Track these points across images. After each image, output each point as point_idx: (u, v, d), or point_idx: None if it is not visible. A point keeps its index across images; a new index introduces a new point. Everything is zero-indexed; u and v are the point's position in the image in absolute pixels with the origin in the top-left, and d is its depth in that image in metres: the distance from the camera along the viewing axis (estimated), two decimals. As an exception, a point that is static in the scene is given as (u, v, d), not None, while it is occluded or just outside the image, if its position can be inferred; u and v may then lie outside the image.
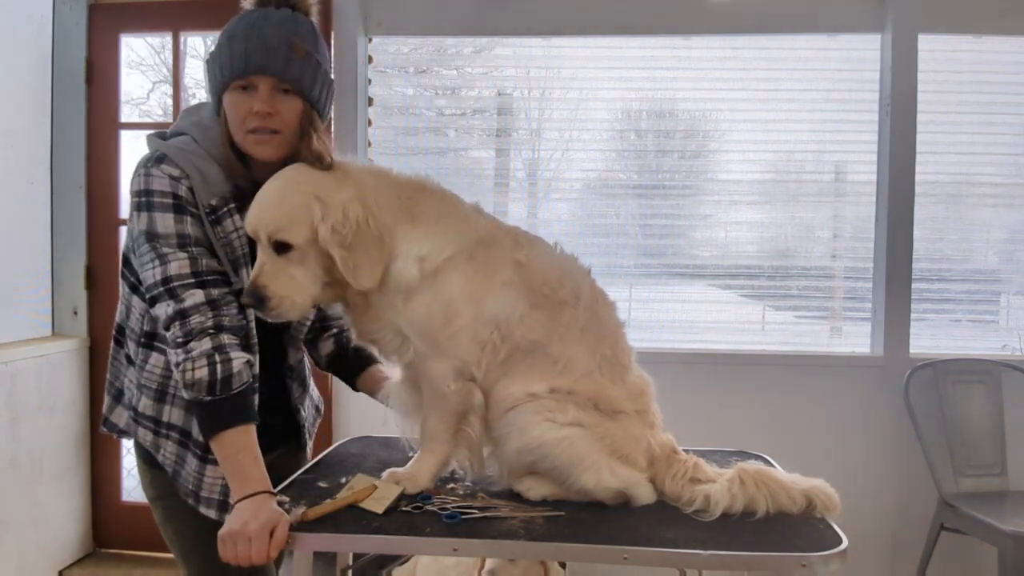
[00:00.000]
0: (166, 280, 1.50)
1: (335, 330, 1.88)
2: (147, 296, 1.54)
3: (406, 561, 2.36)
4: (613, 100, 3.45)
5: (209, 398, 1.46)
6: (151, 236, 1.52)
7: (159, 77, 6.38)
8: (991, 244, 3.44)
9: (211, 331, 1.48)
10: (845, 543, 1.38)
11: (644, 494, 1.55)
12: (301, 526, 1.42)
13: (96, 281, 3.44)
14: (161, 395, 1.61)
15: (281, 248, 1.47)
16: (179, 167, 1.53)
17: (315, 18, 1.60)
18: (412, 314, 1.52)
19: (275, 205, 1.47)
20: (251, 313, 1.58)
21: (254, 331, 1.59)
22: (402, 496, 1.51)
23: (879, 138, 3.26)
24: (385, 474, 1.58)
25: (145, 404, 1.62)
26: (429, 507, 1.50)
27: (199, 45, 5.00)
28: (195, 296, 1.49)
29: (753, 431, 3.09)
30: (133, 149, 3.38)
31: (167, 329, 1.50)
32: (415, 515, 1.48)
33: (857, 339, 3.35)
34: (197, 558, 1.66)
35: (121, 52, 3.44)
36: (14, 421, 3.02)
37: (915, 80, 3.17)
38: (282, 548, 1.39)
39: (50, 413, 3.21)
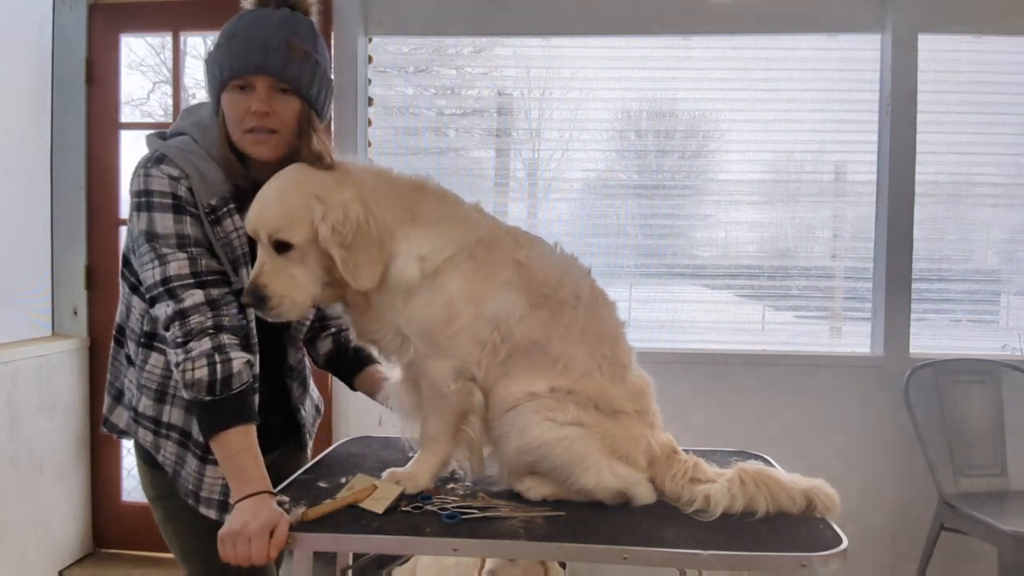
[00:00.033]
0: (165, 280, 1.50)
1: (333, 329, 1.88)
2: (147, 296, 1.54)
3: (406, 561, 2.36)
4: (613, 100, 3.45)
5: (209, 398, 1.46)
6: (151, 236, 1.52)
7: (159, 77, 6.38)
8: (991, 244, 3.44)
9: (211, 331, 1.48)
10: (845, 543, 1.38)
11: (644, 494, 1.55)
12: (301, 526, 1.42)
13: (96, 281, 3.44)
14: (161, 395, 1.61)
15: (281, 248, 1.47)
16: (178, 167, 1.53)
17: (315, 18, 1.60)
18: (412, 314, 1.52)
19: (276, 205, 1.47)
20: (251, 313, 1.58)
21: (254, 331, 1.59)
22: (402, 496, 1.51)
23: (879, 138, 3.26)
24: (385, 474, 1.58)
25: (145, 404, 1.62)
26: (429, 507, 1.50)
27: (199, 45, 5.00)
28: (195, 296, 1.49)
29: (753, 431, 3.10)
30: (133, 149, 3.38)
31: (167, 329, 1.50)
32: (415, 515, 1.47)
33: (857, 339, 3.35)
34: (197, 558, 1.66)
35: (121, 52, 3.44)
36: (14, 421, 3.02)
37: (915, 80, 3.17)
38: (282, 548, 1.39)
39: (50, 413, 3.21)
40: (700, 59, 3.35)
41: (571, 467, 1.51)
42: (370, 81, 3.41)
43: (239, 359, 1.49)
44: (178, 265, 1.50)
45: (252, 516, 1.38)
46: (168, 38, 3.84)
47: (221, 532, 1.39)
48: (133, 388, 1.65)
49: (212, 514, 1.61)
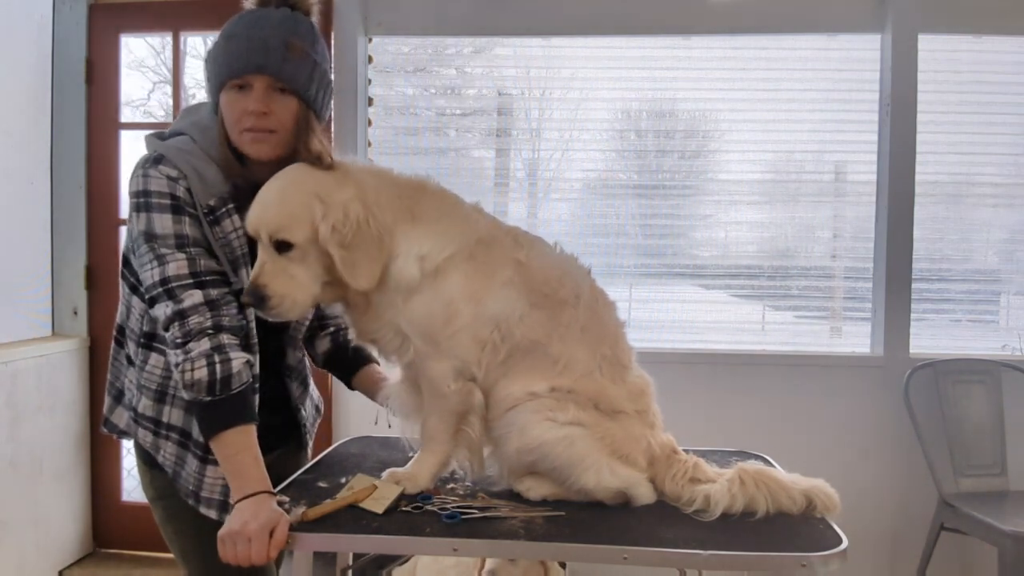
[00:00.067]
0: (164, 281, 1.50)
1: (332, 328, 1.89)
2: (146, 297, 1.54)
3: (406, 561, 2.36)
4: (613, 100, 3.45)
5: (209, 398, 1.46)
6: (149, 237, 1.52)
7: (159, 78, 6.39)
8: (991, 244, 3.44)
9: (210, 331, 1.48)
10: (845, 543, 1.38)
11: (644, 494, 1.55)
12: (301, 526, 1.42)
13: (96, 281, 3.44)
14: (161, 396, 1.61)
15: (282, 247, 1.47)
16: (177, 168, 1.53)
17: (316, 18, 1.59)
18: (412, 313, 1.52)
19: (276, 204, 1.47)
20: (251, 313, 1.58)
21: (254, 331, 1.59)
22: (402, 496, 1.51)
23: (879, 138, 3.26)
24: (385, 474, 1.58)
25: (145, 405, 1.62)
26: (429, 507, 1.50)
27: (199, 45, 5.00)
28: (194, 297, 1.49)
29: (753, 431, 3.09)
30: (133, 149, 3.38)
31: (166, 330, 1.50)
32: (415, 515, 1.47)
33: (857, 339, 3.35)
34: (197, 558, 1.66)
35: (121, 52, 3.44)
36: (14, 421, 3.02)
37: (915, 80, 3.17)
38: (282, 548, 1.39)
39: (50, 413, 3.21)
40: (700, 59, 3.35)
41: (571, 467, 1.51)
42: (370, 81, 3.41)
43: (238, 359, 1.49)
44: (177, 265, 1.50)
45: (252, 516, 1.38)
46: (168, 38, 3.85)
47: (221, 532, 1.39)
48: (133, 388, 1.65)
49: (212, 514, 1.61)
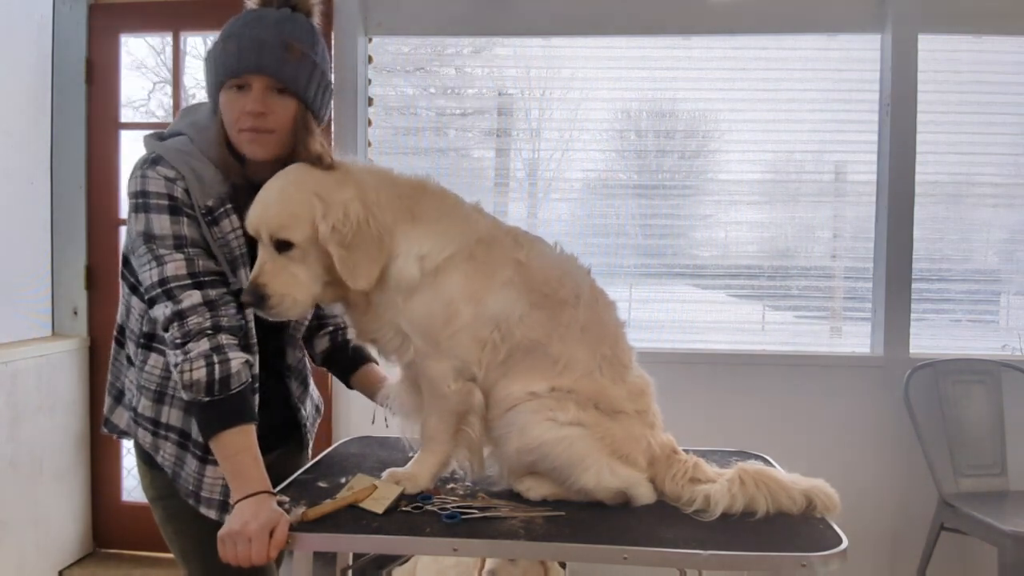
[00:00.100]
0: (163, 281, 1.50)
1: (331, 328, 1.89)
2: (145, 297, 1.54)
3: (406, 561, 2.35)
4: (613, 100, 3.45)
5: (208, 399, 1.46)
6: (148, 238, 1.52)
7: (159, 78, 6.38)
8: (991, 244, 3.44)
9: (209, 332, 1.48)
10: (845, 543, 1.38)
11: (644, 494, 1.55)
12: (301, 526, 1.42)
13: (96, 281, 3.44)
14: (160, 396, 1.61)
15: (282, 247, 1.47)
16: (174, 168, 1.53)
17: (317, 19, 1.59)
18: (412, 313, 1.52)
19: (277, 204, 1.47)
20: (250, 313, 1.58)
21: (253, 331, 1.59)
22: (402, 496, 1.51)
23: (879, 138, 3.26)
24: (385, 474, 1.58)
25: (144, 405, 1.62)
26: (429, 507, 1.50)
27: (199, 45, 5.00)
28: (192, 297, 1.49)
29: (753, 431, 3.09)
30: (133, 149, 3.38)
31: (165, 330, 1.50)
32: (415, 515, 1.47)
33: (857, 339, 3.35)
34: (197, 558, 1.66)
35: (121, 52, 3.44)
36: (14, 421, 3.02)
37: (915, 80, 3.17)
38: (282, 548, 1.39)
39: (50, 413, 3.21)
40: (700, 59, 3.35)
41: (571, 467, 1.51)
42: (370, 81, 3.41)
43: (237, 359, 1.49)
44: (175, 266, 1.50)
45: (252, 516, 1.38)
46: (168, 38, 3.85)
47: (221, 532, 1.39)
48: (133, 389, 1.65)
49: (212, 514, 1.61)
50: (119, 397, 1.70)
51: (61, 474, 3.29)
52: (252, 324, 1.59)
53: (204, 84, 1.60)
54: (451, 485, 1.63)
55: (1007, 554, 2.64)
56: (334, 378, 1.95)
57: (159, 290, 1.50)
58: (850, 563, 1.37)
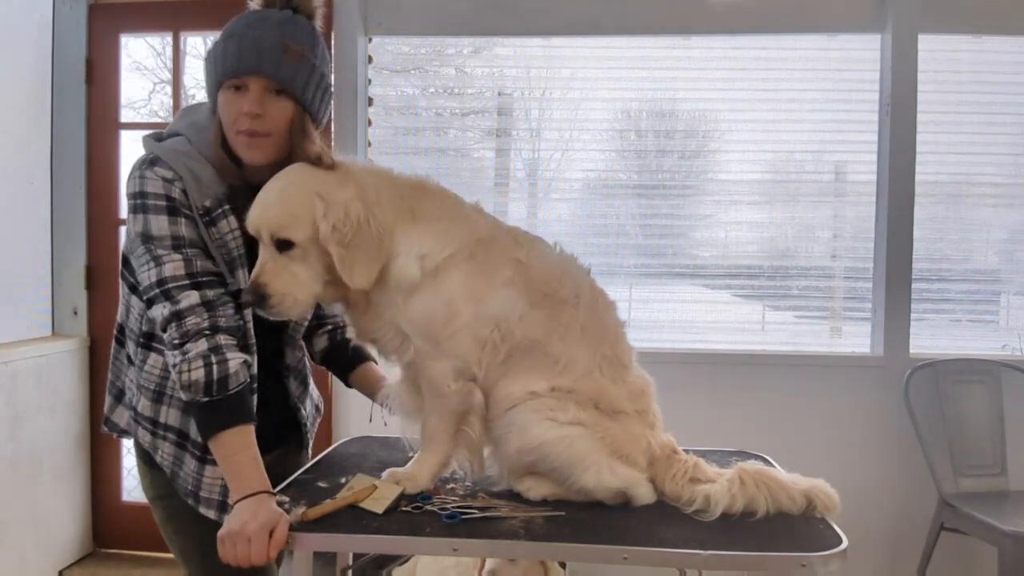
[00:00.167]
0: (161, 282, 1.50)
1: (330, 326, 1.89)
2: (144, 298, 1.54)
3: (406, 561, 2.36)
4: (613, 100, 3.45)
5: (206, 399, 1.46)
6: (146, 238, 1.52)
7: (160, 79, 6.38)
8: (991, 244, 3.44)
9: (207, 332, 1.48)
10: (845, 543, 1.38)
11: (644, 494, 1.55)
12: (301, 526, 1.42)
13: (96, 281, 3.44)
14: (159, 396, 1.61)
15: (283, 246, 1.47)
16: (172, 169, 1.53)
17: (319, 22, 1.59)
18: (412, 312, 1.52)
19: (277, 203, 1.47)
20: (248, 313, 1.58)
21: (252, 331, 1.59)
22: (402, 496, 1.51)
23: (879, 138, 3.26)
24: (385, 474, 1.58)
25: (144, 404, 1.62)
26: (429, 507, 1.50)
27: (199, 45, 5.00)
28: (191, 297, 1.49)
29: (753, 431, 3.10)
30: (133, 149, 3.38)
31: (164, 331, 1.50)
32: (415, 515, 1.47)
33: (857, 339, 3.35)
34: (197, 558, 1.66)
35: (121, 52, 3.44)
36: (14, 421, 3.02)
37: (915, 80, 3.17)
38: (281, 548, 1.39)
39: (50, 413, 3.21)
40: (700, 59, 3.35)
41: (571, 467, 1.51)
42: (370, 81, 3.41)
43: (235, 359, 1.49)
44: (173, 266, 1.50)
45: (251, 516, 1.38)
46: (168, 38, 3.85)
47: (221, 532, 1.39)
48: (133, 388, 1.66)
49: (211, 514, 1.61)
50: (119, 396, 1.70)
51: (61, 474, 3.29)
52: (250, 324, 1.59)
53: (204, 84, 1.60)
54: (451, 485, 1.63)
55: (1007, 554, 2.65)
56: (334, 378, 1.95)
57: (157, 290, 1.50)
58: (850, 563, 1.37)
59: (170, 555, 1.75)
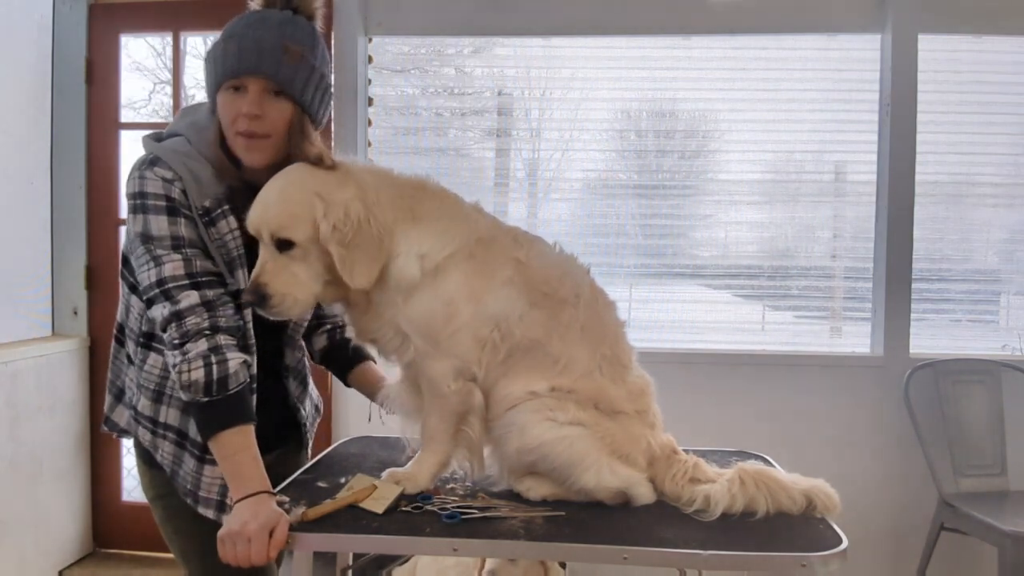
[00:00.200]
0: (161, 282, 1.50)
1: (329, 326, 1.89)
2: (144, 298, 1.54)
3: (406, 561, 2.36)
4: (613, 100, 3.45)
5: (206, 399, 1.46)
6: (146, 238, 1.52)
7: (160, 79, 6.38)
8: (991, 244, 3.44)
9: (207, 332, 1.48)
10: (845, 543, 1.38)
11: (644, 494, 1.55)
12: (301, 526, 1.42)
13: (96, 281, 3.44)
14: (158, 395, 1.61)
15: (283, 246, 1.47)
16: (172, 169, 1.53)
17: (319, 23, 1.59)
18: (412, 312, 1.52)
19: (278, 203, 1.47)
20: (248, 313, 1.58)
21: (251, 331, 1.59)
22: (402, 496, 1.51)
23: (879, 138, 3.26)
24: (385, 474, 1.58)
25: (144, 404, 1.62)
26: (429, 507, 1.50)
27: (200, 45, 5.00)
28: (190, 298, 1.50)
29: (753, 431, 3.10)
30: (133, 149, 3.37)
31: (164, 331, 1.50)
32: (415, 515, 1.47)
33: (857, 339, 3.35)
34: (197, 558, 1.66)
35: (121, 52, 3.44)
36: (14, 421, 3.02)
37: (915, 80, 3.17)
38: (281, 548, 1.39)
39: (50, 413, 3.21)
40: (700, 59, 3.35)
41: (571, 467, 1.51)
42: (370, 81, 3.41)
43: (235, 359, 1.49)
44: (173, 266, 1.50)
45: (251, 516, 1.38)
46: (168, 38, 3.85)
47: (220, 532, 1.39)
48: (133, 387, 1.66)
49: (210, 514, 1.61)
50: (119, 395, 1.70)
51: (61, 474, 3.29)
52: (250, 324, 1.59)
53: (204, 84, 1.60)
54: (451, 485, 1.63)
55: (1007, 554, 2.65)
56: (334, 378, 1.95)
57: (157, 290, 1.50)
58: (850, 563, 1.37)
59: (170, 555, 1.75)
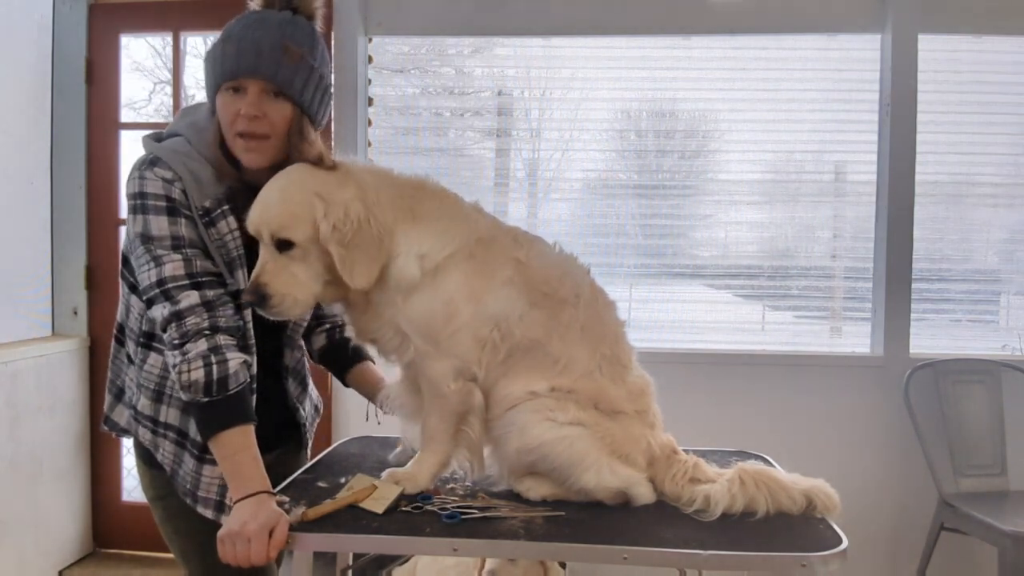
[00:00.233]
0: (161, 282, 1.50)
1: (328, 325, 1.90)
2: (144, 298, 1.54)
3: (406, 561, 2.36)
4: (613, 100, 3.46)
5: (206, 399, 1.46)
6: (146, 239, 1.52)
7: (160, 79, 6.38)
8: (991, 244, 3.44)
9: (207, 332, 1.48)
10: (845, 543, 1.38)
11: (644, 494, 1.55)
12: (301, 526, 1.42)
13: (96, 281, 3.44)
14: (159, 395, 1.61)
15: (283, 246, 1.47)
16: (172, 170, 1.53)
17: (319, 23, 1.59)
18: (412, 312, 1.52)
19: (278, 203, 1.47)
20: (248, 313, 1.58)
21: (251, 331, 1.59)
22: (402, 496, 1.51)
23: (879, 138, 3.26)
24: (385, 474, 1.58)
25: (144, 403, 1.62)
26: (429, 507, 1.50)
27: (200, 45, 5.00)
28: (190, 297, 1.50)
29: (753, 431, 3.10)
30: (133, 149, 3.37)
31: (164, 331, 1.50)
32: (415, 515, 1.47)
33: (857, 339, 3.35)
34: (197, 558, 1.66)
35: (121, 52, 3.44)
36: (14, 421, 3.02)
37: (915, 80, 3.17)
38: (281, 548, 1.39)
39: (50, 413, 3.21)
40: (700, 59, 3.35)
41: (571, 467, 1.51)
42: (370, 81, 3.41)
43: (235, 360, 1.49)
44: (173, 267, 1.51)
45: (251, 516, 1.38)
46: (168, 38, 3.85)
47: (220, 532, 1.39)
48: (133, 387, 1.66)
49: (209, 514, 1.61)
50: (119, 395, 1.70)
51: (61, 474, 3.29)
52: (250, 324, 1.59)
53: (203, 84, 1.60)
54: (451, 485, 1.63)
55: (1007, 554, 2.65)
56: (334, 378, 1.95)
57: (157, 291, 1.50)
58: (850, 563, 1.37)
59: (170, 555, 1.75)
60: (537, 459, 1.53)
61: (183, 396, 1.48)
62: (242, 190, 1.57)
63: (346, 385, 1.91)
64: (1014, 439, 3.08)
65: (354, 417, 3.23)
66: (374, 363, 1.89)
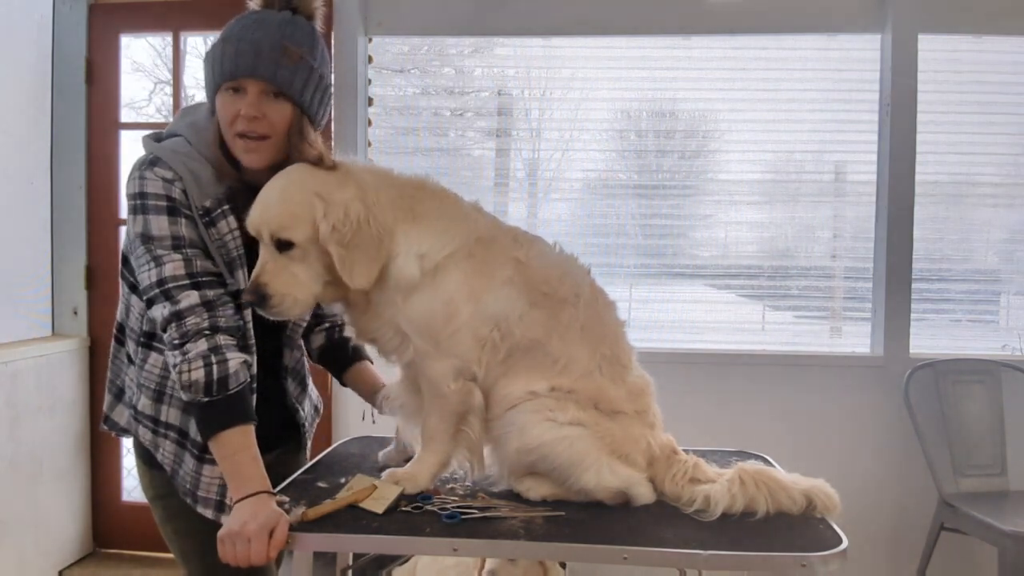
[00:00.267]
0: (161, 282, 1.50)
1: (327, 325, 1.90)
2: (144, 298, 1.54)
3: (406, 561, 2.36)
4: (613, 100, 3.46)
5: (206, 399, 1.46)
6: (146, 239, 1.52)
7: (160, 79, 6.38)
8: (991, 244, 3.44)
9: (207, 332, 1.48)
10: (845, 543, 1.38)
11: (644, 494, 1.55)
12: (301, 526, 1.42)
13: (96, 281, 3.44)
14: (159, 395, 1.61)
15: (283, 246, 1.47)
16: (172, 169, 1.53)
17: (319, 23, 1.59)
18: (412, 311, 1.52)
19: (278, 203, 1.47)
20: (248, 313, 1.58)
21: (251, 331, 1.59)
22: (402, 496, 1.51)
23: (879, 138, 3.26)
24: (385, 474, 1.58)
25: (144, 403, 1.62)
26: (429, 507, 1.50)
27: (200, 45, 5.00)
28: (190, 297, 1.50)
29: (753, 431, 3.10)
30: (133, 149, 3.37)
31: (164, 331, 1.50)
32: (415, 515, 1.47)
33: (857, 339, 3.35)
34: (197, 558, 1.66)
35: (121, 52, 3.44)
36: (14, 421, 3.02)
37: (915, 80, 3.17)
38: (281, 548, 1.39)
39: (50, 413, 3.21)
40: (700, 59, 3.35)
41: (571, 467, 1.51)
42: (370, 81, 3.41)
43: (235, 359, 1.49)
44: (173, 266, 1.51)
45: (251, 516, 1.38)
46: (168, 38, 3.85)
47: (220, 532, 1.39)
48: (133, 386, 1.66)
49: (209, 514, 1.61)
50: (119, 395, 1.70)
51: (61, 474, 3.29)
52: (250, 324, 1.59)
53: (203, 84, 1.60)
54: (451, 485, 1.63)
55: (1007, 554, 2.65)
56: (334, 378, 1.95)
57: (157, 290, 1.50)
58: (850, 563, 1.37)
59: (170, 555, 1.75)
60: (537, 459, 1.53)
61: (183, 396, 1.48)
62: (242, 190, 1.57)
63: (344, 385, 1.91)
64: (1014, 439, 3.08)
65: (354, 417, 3.21)
66: (372, 363, 1.89)
